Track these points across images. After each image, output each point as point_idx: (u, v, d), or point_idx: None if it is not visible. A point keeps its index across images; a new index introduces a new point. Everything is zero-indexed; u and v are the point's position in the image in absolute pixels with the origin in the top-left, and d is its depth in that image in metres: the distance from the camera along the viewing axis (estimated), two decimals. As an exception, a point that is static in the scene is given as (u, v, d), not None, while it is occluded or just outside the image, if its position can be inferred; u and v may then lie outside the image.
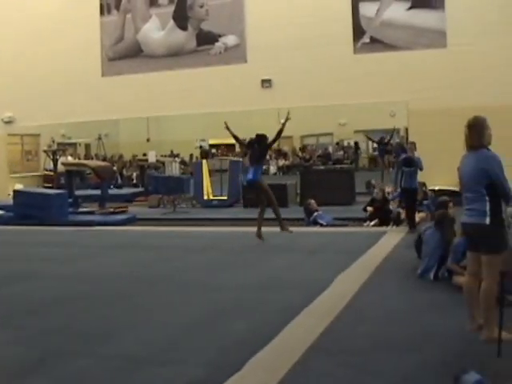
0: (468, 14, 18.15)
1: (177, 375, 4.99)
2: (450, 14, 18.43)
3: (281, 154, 36.46)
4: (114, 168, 27.02)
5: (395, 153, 18.59)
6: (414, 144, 14.41)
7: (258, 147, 12.25)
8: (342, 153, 35.63)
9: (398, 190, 14.60)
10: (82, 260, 10.99)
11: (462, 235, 6.39)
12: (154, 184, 22.96)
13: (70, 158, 25.29)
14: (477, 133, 5.52)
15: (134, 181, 28.44)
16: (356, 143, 34.93)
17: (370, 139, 29.11)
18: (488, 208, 5.40)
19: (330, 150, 36.36)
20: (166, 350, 5.61)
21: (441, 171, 16.58)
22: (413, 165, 13.21)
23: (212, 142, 36.59)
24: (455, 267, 7.66)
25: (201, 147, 28.84)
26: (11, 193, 18.88)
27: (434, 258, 8.14)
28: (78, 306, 7.42)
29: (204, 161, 23.14)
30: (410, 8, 19.10)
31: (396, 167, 16.36)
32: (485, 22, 17.95)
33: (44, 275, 9.60)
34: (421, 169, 13.38)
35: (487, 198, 5.41)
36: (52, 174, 22.91)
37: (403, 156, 13.89)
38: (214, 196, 21.56)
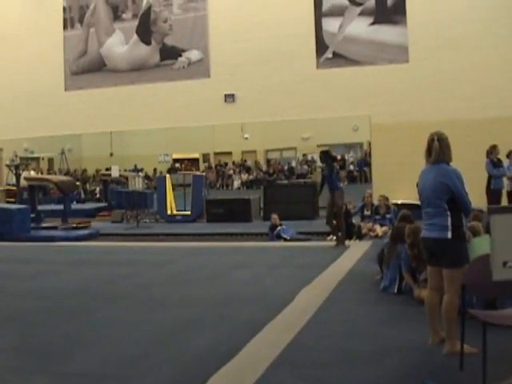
0: (429, 30, 18.40)
1: (138, 392, 4.91)
2: (411, 30, 18.67)
3: (244, 168, 36.42)
4: (77, 183, 26.80)
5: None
6: None
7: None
8: (306, 167, 35.69)
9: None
10: (41, 276, 10.83)
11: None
12: (117, 199, 22.83)
13: (32, 173, 24.97)
14: (446, 146, 5.51)
15: (98, 195, 28.25)
16: (312, 158, 35.14)
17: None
18: (449, 222, 5.41)
19: (293, 164, 36.44)
20: (127, 367, 5.52)
21: (403, 185, 16.71)
22: None
23: (175, 156, 36.43)
24: (408, 278, 7.76)
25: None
26: (-28, 208, 18.54)
27: (395, 272, 8.14)
28: (35, 323, 7.27)
29: (167, 175, 23.04)
30: (373, 23, 19.31)
31: None
32: (446, 37, 18.22)
33: (1, 291, 9.43)
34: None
35: (448, 213, 5.42)
36: (14, 188, 22.60)
37: None
38: (177, 211, 21.46)
